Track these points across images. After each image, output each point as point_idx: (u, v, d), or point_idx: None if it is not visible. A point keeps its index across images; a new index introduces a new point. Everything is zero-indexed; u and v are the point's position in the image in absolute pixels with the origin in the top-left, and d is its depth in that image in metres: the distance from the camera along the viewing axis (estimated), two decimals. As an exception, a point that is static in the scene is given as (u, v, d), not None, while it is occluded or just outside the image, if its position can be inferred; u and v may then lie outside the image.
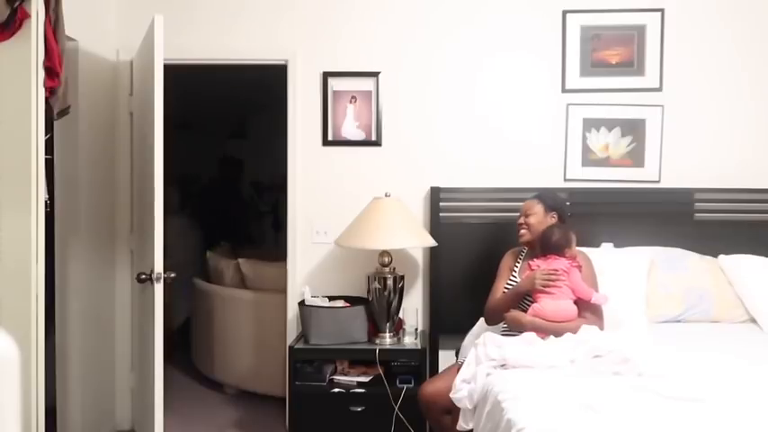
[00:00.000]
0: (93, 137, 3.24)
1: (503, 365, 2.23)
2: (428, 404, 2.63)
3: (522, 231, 2.74)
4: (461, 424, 2.28)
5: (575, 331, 2.39)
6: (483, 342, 2.36)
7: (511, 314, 2.56)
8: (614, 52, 3.38)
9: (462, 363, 2.47)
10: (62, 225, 3.13)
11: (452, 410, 2.41)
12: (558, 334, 2.40)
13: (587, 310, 2.52)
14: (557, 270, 2.51)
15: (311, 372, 3.02)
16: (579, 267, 2.56)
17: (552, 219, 2.71)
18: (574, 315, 2.49)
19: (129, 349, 3.46)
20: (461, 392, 2.26)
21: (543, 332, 2.42)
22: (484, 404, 2.10)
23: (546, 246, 2.61)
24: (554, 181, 3.35)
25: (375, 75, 3.40)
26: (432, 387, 2.65)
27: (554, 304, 2.47)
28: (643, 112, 3.37)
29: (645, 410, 1.79)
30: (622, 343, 2.25)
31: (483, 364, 2.26)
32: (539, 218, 2.71)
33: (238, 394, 4.06)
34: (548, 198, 2.78)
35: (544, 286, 2.49)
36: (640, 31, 3.37)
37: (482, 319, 2.83)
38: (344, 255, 3.37)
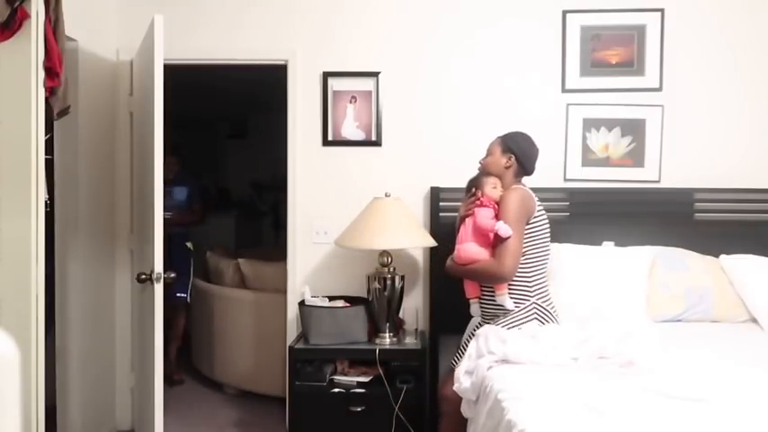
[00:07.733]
0: (93, 137, 3.24)
1: (503, 360, 2.23)
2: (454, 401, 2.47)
3: (478, 169, 2.72)
4: (466, 412, 2.30)
5: (482, 275, 2.49)
6: (485, 334, 2.35)
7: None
8: (614, 52, 3.38)
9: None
10: (62, 225, 3.13)
11: None
12: (467, 277, 2.55)
13: (496, 248, 2.46)
14: (475, 193, 2.57)
15: (311, 372, 3.02)
16: (495, 206, 2.53)
17: (509, 161, 2.59)
18: (480, 256, 2.50)
19: (129, 349, 3.46)
20: (465, 384, 2.27)
21: (457, 275, 2.58)
22: (485, 399, 2.10)
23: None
24: (554, 181, 3.35)
25: (375, 75, 3.39)
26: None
27: (462, 248, 2.56)
28: (643, 112, 3.37)
29: (650, 413, 1.75)
30: (628, 343, 2.22)
31: (485, 357, 2.25)
32: (495, 158, 2.62)
33: (238, 394, 4.06)
34: (509, 139, 2.63)
35: (465, 216, 2.58)
36: (640, 31, 3.36)
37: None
38: (344, 255, 3.37)
